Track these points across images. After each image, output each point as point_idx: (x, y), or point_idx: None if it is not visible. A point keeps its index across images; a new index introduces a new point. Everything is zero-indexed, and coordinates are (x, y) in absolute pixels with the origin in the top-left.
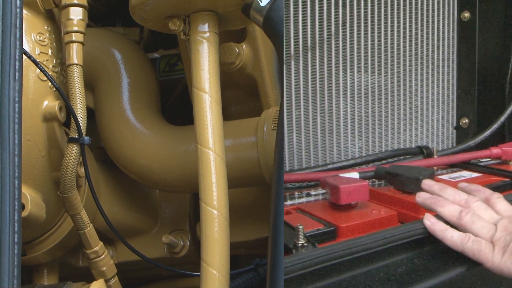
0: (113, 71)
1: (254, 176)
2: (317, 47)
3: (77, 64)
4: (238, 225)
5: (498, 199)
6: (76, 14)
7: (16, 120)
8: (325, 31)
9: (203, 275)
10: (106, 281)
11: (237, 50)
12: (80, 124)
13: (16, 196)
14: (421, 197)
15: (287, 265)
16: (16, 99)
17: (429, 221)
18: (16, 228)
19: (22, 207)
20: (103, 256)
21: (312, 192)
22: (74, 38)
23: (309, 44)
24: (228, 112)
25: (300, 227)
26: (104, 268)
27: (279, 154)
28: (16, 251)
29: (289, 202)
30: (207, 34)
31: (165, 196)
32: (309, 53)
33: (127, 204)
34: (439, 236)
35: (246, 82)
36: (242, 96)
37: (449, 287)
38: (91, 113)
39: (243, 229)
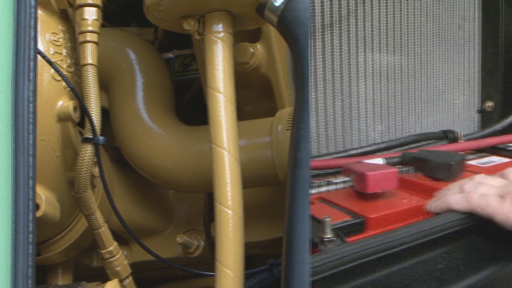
0: (127, 71)
1: (268, 176)
2: (336, 25)
3: (91, 64)
4: (252, 225)
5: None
6: (91, 14)
7: (31, 120)
8: (344, 8)
9: (217, 275)
10: (121, 281)
11: (252, 50)
12: (95, 124)
13: (30, 196)
14: (428, 204)
15: (314, 265)
16: (31, 99)
17: (429, 204)
18: (30, 228)
19: (37, 207)
20: (117, 256)
21: (334, 180)
22: (88, 38)
23: (327, 22)
24: (243, 112)
25: (327, 219)
26: (119, 268)
27: (294, 154)
28: (30, 251)
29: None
30: (222, 34)
31: (179, 196)
32: (328, 32)
33: (141, 204)
34: (445, 205)
35: (261, 82)
36: (256, 96)
37: (494, 283)
38: (105, 113)
39: (257, 229)
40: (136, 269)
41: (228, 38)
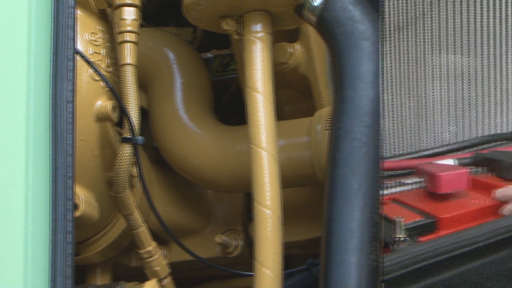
0: (166, 71)
1: (306, 176)
2: (408, 27)
3: (130, 64)
4: (290, 225)
5: None
6: (129, 14)
7: (69, 120)
8: (416, 9)
9: (256, 275)
10: (159, 280)
11: (290, 50)
12: (134, 124)
13: (69, 196)
14: (498, 192)
15: (386, 264)
16: (69, 99)
17: (499, 192)
18: (69, 228)
19: (75, 207)
20: (156, 256)
21: (406, 181)
22: (127, 38)
23: (399, 23)
24: (281, 112)
25: (398, 219)
26: (157, 268)
27: (332, 154)
28: (69, 250)
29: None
30: (261, 34)
31: (218, 196)
32: (399, 33)
33: (180, 204)
34: None
35: (299, 82)
36: (295, 96)
37: None
38: (144, 113)
39: (296, 229)
40: (175, 269)
41: (267, 38)
